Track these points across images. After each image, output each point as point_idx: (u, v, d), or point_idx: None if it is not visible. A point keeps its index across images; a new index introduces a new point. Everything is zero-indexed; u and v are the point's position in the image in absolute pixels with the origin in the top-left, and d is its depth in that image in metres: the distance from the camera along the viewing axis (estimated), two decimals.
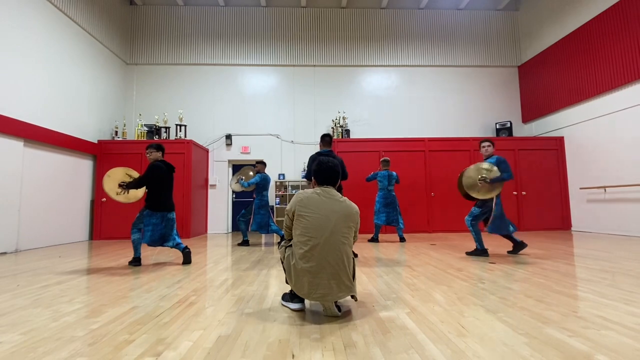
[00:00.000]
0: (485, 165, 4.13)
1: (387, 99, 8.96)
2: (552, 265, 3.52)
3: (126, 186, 3.87)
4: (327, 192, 2.14)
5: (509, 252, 4.33)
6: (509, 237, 4.21)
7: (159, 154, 4.03)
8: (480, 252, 4.21)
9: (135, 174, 4.16)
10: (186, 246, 4.06)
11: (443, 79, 9.10)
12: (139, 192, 4.14)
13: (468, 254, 4.32)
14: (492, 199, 4.14)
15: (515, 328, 1.79)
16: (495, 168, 4.07)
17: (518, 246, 4.25)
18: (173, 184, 4.08)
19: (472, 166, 4.21)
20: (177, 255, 4.71)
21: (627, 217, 6.33)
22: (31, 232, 5.62)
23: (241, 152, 8.60)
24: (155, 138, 7.74)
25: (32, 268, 3.81)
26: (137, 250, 3.92)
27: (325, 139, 4.20)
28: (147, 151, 4.02)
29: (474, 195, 4.12)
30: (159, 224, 3.85)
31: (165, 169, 3.94)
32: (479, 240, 4.20)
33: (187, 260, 3.97)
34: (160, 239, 3.86)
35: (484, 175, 4.07)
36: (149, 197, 3.87)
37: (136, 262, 3.90)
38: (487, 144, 4.30)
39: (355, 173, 7.46)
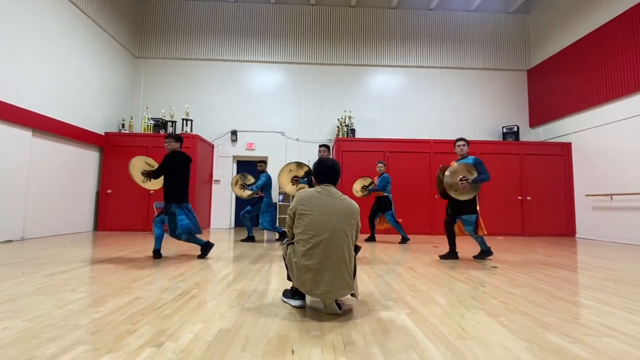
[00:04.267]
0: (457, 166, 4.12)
1: (394, 100, 8.93)
2: (555, 272, 3.50)
3: (147, 175, 3.94)
4: (327, 191, 2.15)
5: None
6: None
7: (177, 145, 4.02)
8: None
9: (154, 164, 4.22)
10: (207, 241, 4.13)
11: (451, 81, 9.05)
12: (160, 180, 4.19)
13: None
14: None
15: (516, 332, 1.79)
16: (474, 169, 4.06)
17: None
18: (189, 176, 4.10)
19: (455, 165, 4.15)
20: (180, 249, 4.74)
21: (633, 226, 6.26)
22: (37, 221, 5.69)
23: (246, 149, 8.63)
24: (162, 132, 7.79)
25: (38, 256, 3.86)
26: (158, 242, 3.95)
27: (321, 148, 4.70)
28: (165, 141, 4.03)
29: (452, 194, 4.05)
30: (191, 211, 3.99)
31: (179, 160, 3.93)
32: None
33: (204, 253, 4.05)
34: (196, 226, 3.97)
35: (466, 176, 4.01)
36: (170, 190, 3.89)
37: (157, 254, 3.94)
38: (462, 142, 4.27)
39: (360, 173, 7.44)
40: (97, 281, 2.75)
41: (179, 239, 3.93)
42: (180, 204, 3.92)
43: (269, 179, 5.70)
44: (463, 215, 4.13)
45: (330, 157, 4.19)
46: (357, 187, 6.11)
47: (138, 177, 3.99)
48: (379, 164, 5.97)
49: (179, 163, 3.91)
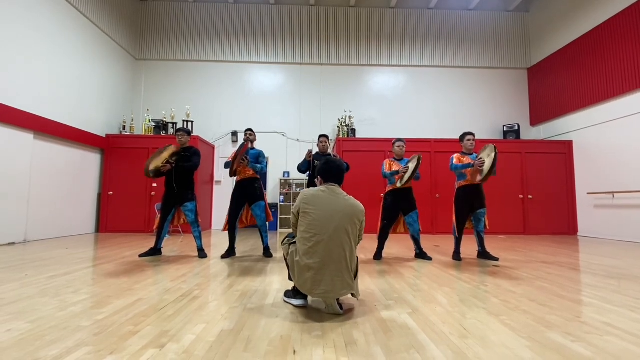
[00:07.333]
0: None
1: (394, 99, 8.93)
2: (557, 270, 3.50)
3: (177, 163, 4.03)
4: (332, 190, 2.16)
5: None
6: None
7: (189, 139, 4.21)
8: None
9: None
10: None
11: (451, 80, 9.04)
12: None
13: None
14: None
15: (517, 331, 1.79)
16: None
17: None
18: None
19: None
20: (182, 250, 4.75)
21: (635, 224, 6.24)
22: (39, 223, 5.71)
23: None
24: (162, 134, 7.81)
25: (40, 258, 3.88)
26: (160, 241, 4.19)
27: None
28: (179, 134, 4.11)
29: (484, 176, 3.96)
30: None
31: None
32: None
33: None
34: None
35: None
36: (191, 186, 4.12)
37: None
38: (471, 137, 4.19)
39: (361, 173, 7.44)
40: (99, 283, 2.76)
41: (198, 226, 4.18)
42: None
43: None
44: (481, 209, 4.12)
45: (331, 146, 4.23)
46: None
47: (160, 161, 3.91)
48: (399, 143, 4.35)
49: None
